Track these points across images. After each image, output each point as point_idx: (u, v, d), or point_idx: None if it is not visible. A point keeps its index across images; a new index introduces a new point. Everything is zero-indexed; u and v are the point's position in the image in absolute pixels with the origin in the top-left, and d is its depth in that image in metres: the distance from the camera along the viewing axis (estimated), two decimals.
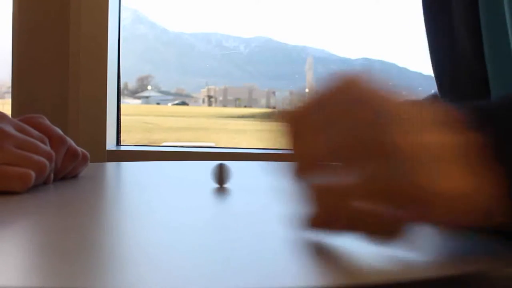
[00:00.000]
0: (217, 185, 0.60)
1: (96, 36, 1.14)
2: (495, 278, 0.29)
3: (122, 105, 1.26)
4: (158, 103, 2.84)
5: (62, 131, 0.60)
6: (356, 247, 0.35)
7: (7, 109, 1.17)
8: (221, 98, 2.82)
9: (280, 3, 2.08)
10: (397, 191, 0.28)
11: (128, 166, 0.83)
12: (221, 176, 0.59)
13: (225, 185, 0.60)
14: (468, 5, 0.55)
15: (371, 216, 0.30)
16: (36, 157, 0.53)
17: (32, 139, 0.54)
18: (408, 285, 0.27)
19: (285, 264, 0.30)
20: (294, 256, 0.32)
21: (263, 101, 2.94)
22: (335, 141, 0.30)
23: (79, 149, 0.62)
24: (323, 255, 0.33)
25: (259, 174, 0.77)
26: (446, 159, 0.27)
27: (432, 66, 0.66)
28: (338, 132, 0.29)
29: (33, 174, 0.52)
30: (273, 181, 0.69)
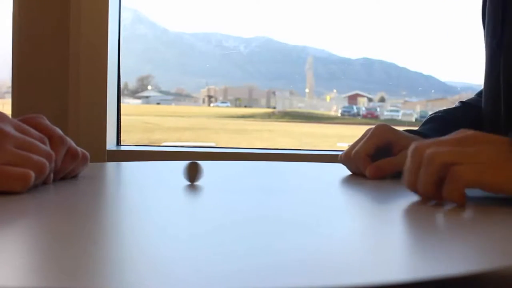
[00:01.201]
0: (188, 183, 0.59)
1: (96, 36, 1.14)
2: (495, 278, 0.29)
3: (122, 105, 1.25)
4: (158, 103, 2.84)
5: (62, 131, 0.60)
6: (355, 247, 0.35)
7: (7, 109, 1.17)
8: (221, 98, 2.82)
9: (280, 3, 2.08)
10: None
11: (128, 166, 0.83)
12: (192, 174, 0.59)
13: (196, 183, 0.60)
14: None
15: None
16: (36, 157, 0.53)
17: (32, 139, 0.54)
18: (408, 285, 0.27)
19: (285, 264, 0.30)
20: (294, 257, 0.32)
21: (263, 101, 2.94)
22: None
23: (79, 149, 0.62)
24: (321, 254, 0.33)
25: (261, 175, 0.77)
26: None
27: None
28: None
29: (33, 174, 0.52)
30: (266, 181, 0.69)
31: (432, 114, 0.82)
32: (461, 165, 0.47)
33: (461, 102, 0.86)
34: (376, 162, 0.69)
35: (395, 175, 0.71)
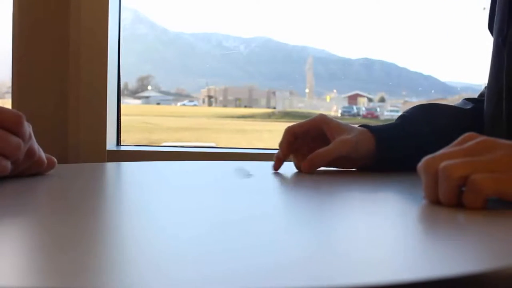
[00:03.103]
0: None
1: (96, 36, 1.14)
2: (495, 278, 0.29)
3: (122, 105, 1.25)
4: (158, 103, 2.84)
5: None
6: (355, 247, 0.35)
7: None
8: (221, 98, 2.81)
9: (280, 3, 2.08)
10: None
11: (128, 166, 0.83)
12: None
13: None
14: None
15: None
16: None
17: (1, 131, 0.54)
18: (408, 285, 0.27)
19: (285, 264, 0.30)
20: (294, 257, 0.32)
21: (263, 101, 2.94)
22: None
23: (45, 155, 0.62)
24: (320, 254, 0.33)
25: (261, 175, 0.77)
26: None
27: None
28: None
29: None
30: (272, 182, 0.69)
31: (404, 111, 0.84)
32: (478, 173, 0.47)
33: (431, 103, 0.87)
34: (308, 157, 0.74)
35: (396, 170, 0.71)
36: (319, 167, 0.74)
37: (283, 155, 0.76)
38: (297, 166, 0.77)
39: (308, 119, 0.78)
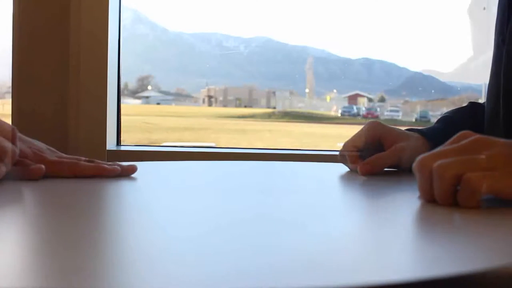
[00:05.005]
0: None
1: (96, 36, 1.14)
2: (495, 278, 0.29)
3: (122, 105, 1.25)
4: (158, 103, 2.84)
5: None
6: (355, 247, 0.35)
7: (7, 109, 1.17)
8: (221, 98, 2.81)
9: (280, 3, 2.08)
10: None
11: None
12: None
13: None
14: None
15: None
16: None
17: None
18: (408, 285, 0.27)
19: (285, 264, 0.30)
20: (294, 257, 0.32)
21: (263, 101, 2.94)
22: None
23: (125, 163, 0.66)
24: (320, 254, 0.33)
25: (261, 175, 0.77)
26: None
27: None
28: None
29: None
30: (271, 181, 0.69)
31: (443, 114, 0.83)
32: (472, 172, 0.46)
33: (471, 102, 0.86)
34: (366, 160, 0.72)
35: (392, 171, 0.71)
36: (378, 171, 0.72)
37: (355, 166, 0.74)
38: (347, 159, 0.76)
39: (361, 129, 0.76)
